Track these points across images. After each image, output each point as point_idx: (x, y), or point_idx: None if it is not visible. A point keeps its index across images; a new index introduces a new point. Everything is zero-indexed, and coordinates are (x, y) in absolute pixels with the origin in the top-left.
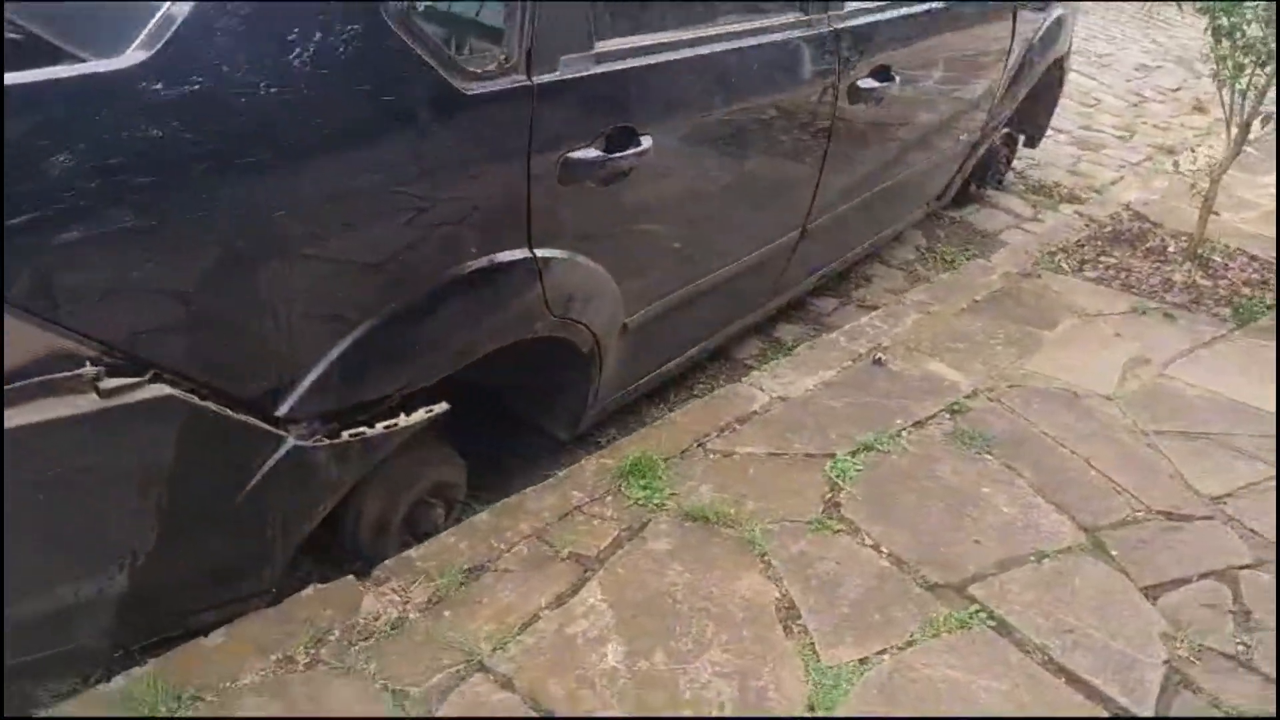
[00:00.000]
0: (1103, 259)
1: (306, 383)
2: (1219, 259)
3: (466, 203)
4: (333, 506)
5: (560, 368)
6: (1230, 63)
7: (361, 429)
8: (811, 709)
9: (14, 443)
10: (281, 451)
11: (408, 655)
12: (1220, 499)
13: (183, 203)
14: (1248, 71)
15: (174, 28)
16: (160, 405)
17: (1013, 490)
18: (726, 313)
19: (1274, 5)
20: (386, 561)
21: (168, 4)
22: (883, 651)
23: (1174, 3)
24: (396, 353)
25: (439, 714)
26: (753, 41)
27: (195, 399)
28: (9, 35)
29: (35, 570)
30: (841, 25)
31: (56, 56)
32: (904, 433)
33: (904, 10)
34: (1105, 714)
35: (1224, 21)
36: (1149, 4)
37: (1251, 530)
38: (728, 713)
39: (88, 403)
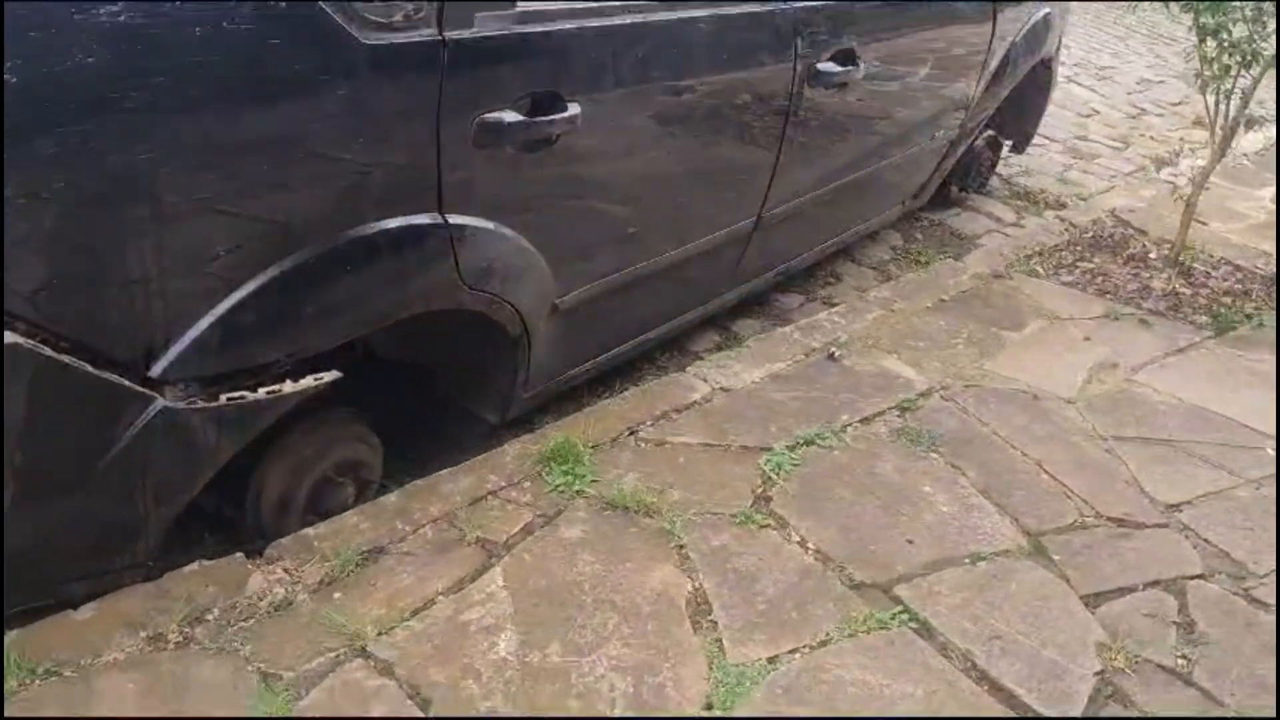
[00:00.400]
0: (1080, 264)
1: (183, 343)
2: (1202, 268)
3: (365, 160)
4: (211, 476)
5: (485, 347)
6: (1215, 65)
7: (241, 393)
8: (709, 708)
9: None
10: (151, 413)
11: (288, 637)
12: (1176, 507)
13: (37, 140)
14: (1233, 73)
15: None
16: (7, 355)
17: (955, 490)
18: (675, 302)
19: (1261, 4)
20: (282, 540)
21: None
22: (794, 651)
23: (1164, 2)
24: (285, 316)
25: (309, 699)
26: (699, 13)
27: (48, 350)
28: None
29: None
30: (800, 4)
31: None
32: (848, 428)
33: None
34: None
35: (1208, 20)
36: (1151, 15)
37: (1205, 540)
38: (618, 709)
39: None
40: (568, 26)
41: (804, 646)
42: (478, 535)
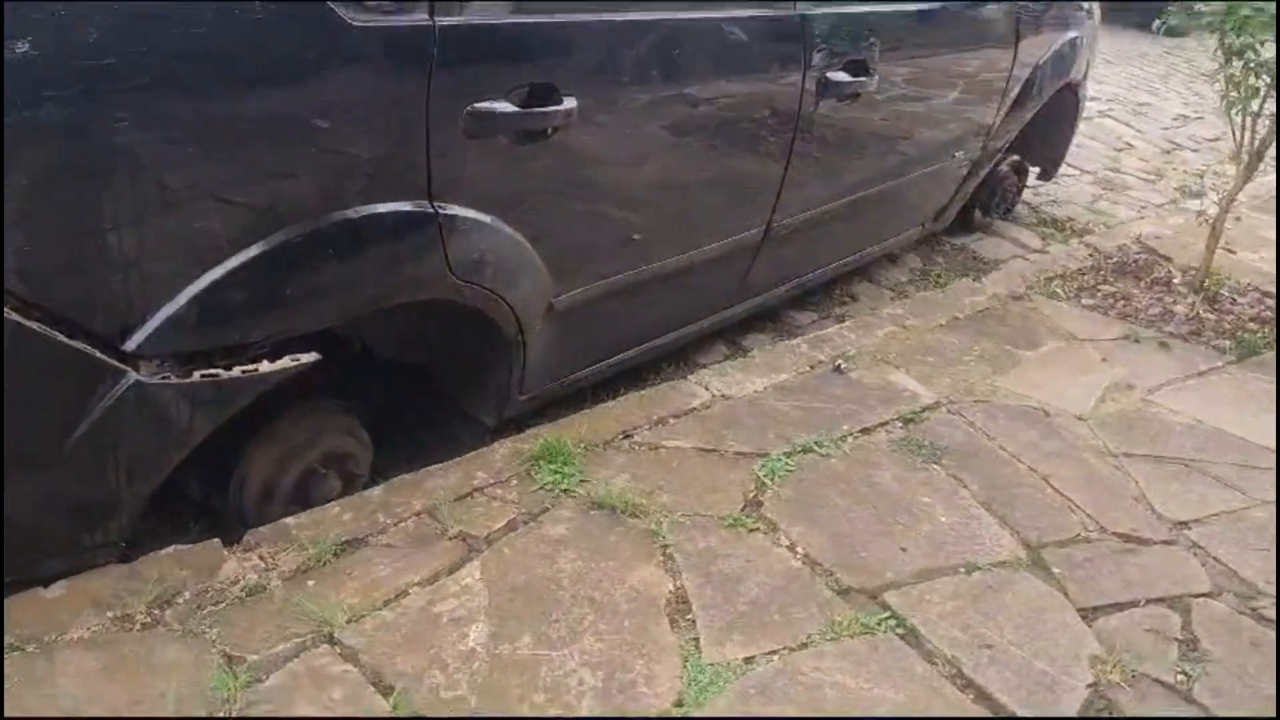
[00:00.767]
0: (1102, 287)
1: (159, 318)
2: (1228, 294)
3: (351, 144)
4: (186, 454)
5: (480, 345)
6: (1243, 87)
7: (216, 370)
8: (680, 704)
9: None
10: (122, 387)
11: (257, 622)
12: (1185, 524)
13: (12, 115)
14: (1260, 95)
15: None
16: None
17: (955, 501)
18: (680, 310)
19: None
20: (261, 528)
21: None
22: (772, 652)
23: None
24: (265, 296)
25: (270, 683)
26: (702, 15)
27: (17, 317)
28: None
29: None
30: (811, 12)
31: None
32: (848, 438)
33: (887, 7)
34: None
35: (1234, 41)
36: (1193, 54)
37: (1214, 558)
38: (586, 703)
39: None
40: (565, 19)
41: (783, 648)
42: (459, 530)
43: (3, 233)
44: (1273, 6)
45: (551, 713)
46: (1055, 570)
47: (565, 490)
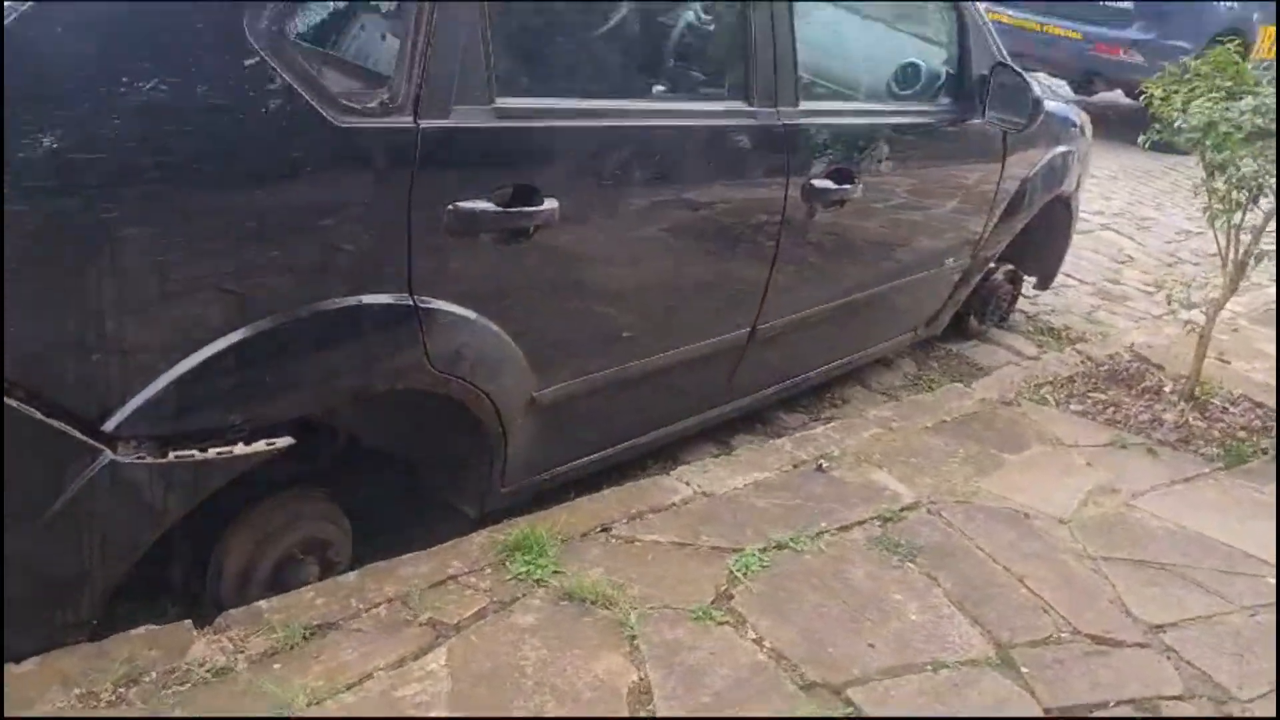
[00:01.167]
0: (1092, 394)
1: (138, 401)
2: (1219, 403)
3: (332, 238)
4: (159, 535)
5: (461, 437)
6: (1226, 200)
7: (191, 451)
8: None
9: None
10: (98, 466)
11: (219, 702)
12: (1160, 628)
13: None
14: (1242, 208)
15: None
16: None
17: (927, 600)
18: (665, 408)
19: (1271, 143)
20: (232, 611)
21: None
22: None
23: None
24: (243, 383)
25: None
26: (684, 124)
27: None
28: None
29: None
30: (793, 122)
31: None
32: (825, 535)
33: (870, 120)
34: None
35: (1215, 157)
36: (1200, 170)
37: (1188, 661)
38: None
39: None
40: (546, 124)
41: None
42: (430, 616)
43: (2, 250)
44: (1248, 122)
45: None
46: (1024, 670)
47: (538, 580)
